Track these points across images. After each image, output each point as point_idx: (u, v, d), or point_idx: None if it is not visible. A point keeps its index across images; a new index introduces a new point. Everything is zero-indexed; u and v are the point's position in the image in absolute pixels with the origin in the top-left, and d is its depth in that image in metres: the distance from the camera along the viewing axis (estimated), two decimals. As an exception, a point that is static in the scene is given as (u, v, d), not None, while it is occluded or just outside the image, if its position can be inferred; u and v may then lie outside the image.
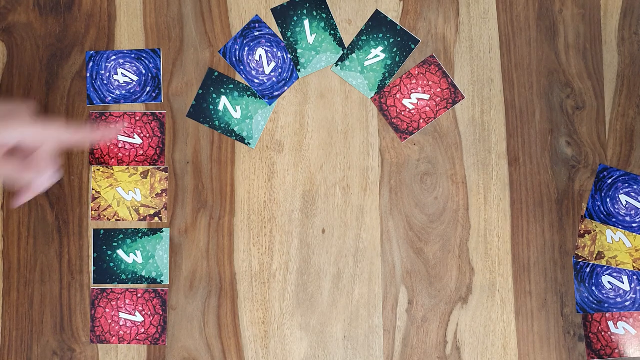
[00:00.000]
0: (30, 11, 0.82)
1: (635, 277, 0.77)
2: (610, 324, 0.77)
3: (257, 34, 0.82)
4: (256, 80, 0.81)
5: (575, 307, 0.77)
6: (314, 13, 0.81)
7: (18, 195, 0.68)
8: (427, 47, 0.81)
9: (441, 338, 0.78)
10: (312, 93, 0.81)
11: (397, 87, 0.81)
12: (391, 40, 0.81)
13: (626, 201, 0.78)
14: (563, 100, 0.80)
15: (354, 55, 0.81)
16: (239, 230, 0.79)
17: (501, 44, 0.81)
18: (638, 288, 0.77)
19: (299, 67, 0.81)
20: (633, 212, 0.78)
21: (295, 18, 0.81)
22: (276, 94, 0.81)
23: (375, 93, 0.81)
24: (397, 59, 0.81)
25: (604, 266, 0.78)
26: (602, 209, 0.78)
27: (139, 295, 0.79)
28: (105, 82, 0.81)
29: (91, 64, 0.81)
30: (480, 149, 0.80)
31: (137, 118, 0.81)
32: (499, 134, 0.80)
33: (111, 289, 0.79)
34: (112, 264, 0.79)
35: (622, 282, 0.77)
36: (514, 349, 0.77)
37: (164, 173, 0.80)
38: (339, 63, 0.81)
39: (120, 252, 0.79)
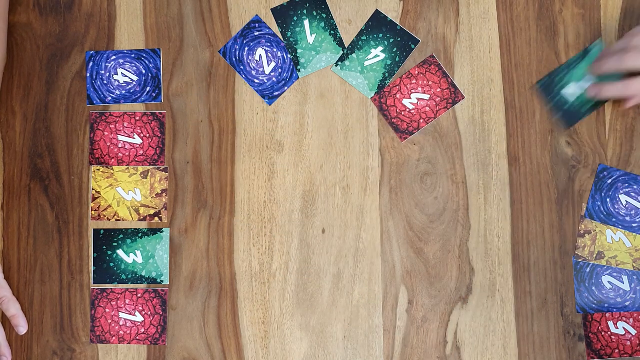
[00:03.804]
0: (30, 11, 0.82)
1: (635, 277, 0.77)
2: (610, 324, 0.77)
3: (257, 34, 0.82)
4: (256, 80, 0.81)
5: (575, 307, 0.77)
6: (314, 13, 0.81)
7: None
8: (427, 47, 0.81)
9: (441, 338, 0.78)
10: (312, 93, 0.81)
11: (397, 87, 0.81)
12: (391, 40, 0.81)
13: (626, 201, 0.78)
14: (563, 100, 0.80)
15: (354, 55, 0.81)
16: (239, 230, 0.79)
17: (501, 44, 0.81)
18: (638, 288, 0.77)
19: (299, 67, 0.81)
20: (633, 212, 0.78)
21: (295, 18, 0.81)
22: (276, 94, 0.81)
23: (375, 93, 0.81)
24: (397, 59, 0.81)
25: (604, 266, 0.78)
26: (602, 209, 0.78)
27: (139, 295, 0.79)
28: (105, 82, 0.81)
29: (91, 64, 0.81)
30: (480, 149, 0.80)
31: (137, 118, 0.81)
32: (499, 134, 0.80)
33: (111, 289, 0.79)
34: (112, 264, 0.79)
35: (622, 282, 0.77)
36: (514, 349, 0.77)
37: (164, 173, 0.80)
38: (339, 63, 0.81)
39: (120, 252, 0.79)
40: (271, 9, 0.82)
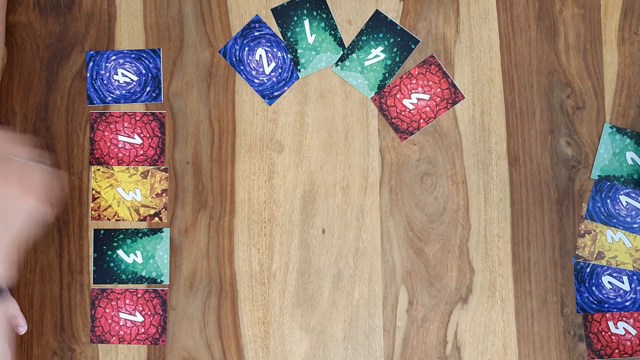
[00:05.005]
0: (30, 11, 0.82)
1: (635, 277, 0.77)
2: (610, 324, 0.77)
3: (257, 34, 0.82)
4: (256, 80, 0.81)
5: (575, 307, 0.77)
6: (314, 13, 0.81)
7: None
8: (427, 47, 0.81)
9: (441, 338, 0.78)
10: (312, 93, 0.81)
11: (397, 87, 0.81)
12: (391, 40, 0.81)
13: (626, 202, 0.78)
14: (563, 100, 0.80)
15: (354, 55, 0.81)
16: (239, 230, 0.79)
17: (501, 44, 0.81)
18: (638, 288, 0.77)
19: (299, 67, 0.81)
20: (633, 212, 0.78)
21: (295, 18, 0.81)
22: (276, 94, 0.81)
23: (375, 93, 0.81)
24: (397, 59, 0.81)
25: (604, 266, 0.78)
26: (603, 209, 0.78)
27: (139, 295, 0.79)
28: (105, 82, 0.81)
29: (91, 64, 0.81)
30: (480, 149, 0.80)
31: (137, 118, 0.81)
32: (499, 134, 0.80)
33: (111, 289, 0.79)
34: (112, 264, 0.79)
35: (622, 282, 0.77)
36: (514, 349, 0.77)
37: (164, 173, 0.80)
38: (339, 63, 0.81)
39: (120, 252, 0.79)
40: (271, 9, 0.82)
